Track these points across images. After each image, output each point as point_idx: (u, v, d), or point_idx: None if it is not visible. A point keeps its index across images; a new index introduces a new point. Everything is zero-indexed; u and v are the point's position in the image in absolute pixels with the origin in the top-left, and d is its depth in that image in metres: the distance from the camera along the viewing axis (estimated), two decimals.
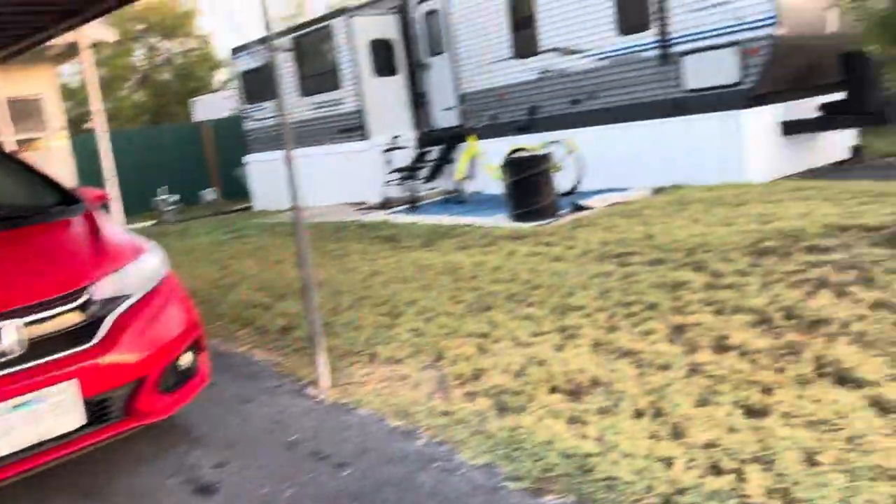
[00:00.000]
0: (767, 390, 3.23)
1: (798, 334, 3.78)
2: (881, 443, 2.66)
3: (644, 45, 9.46)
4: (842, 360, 3.36)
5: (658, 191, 8.97)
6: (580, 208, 8.57)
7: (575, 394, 3.57)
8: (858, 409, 2.93)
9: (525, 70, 11.07)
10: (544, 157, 8.54)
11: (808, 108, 9.22)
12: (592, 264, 5.87)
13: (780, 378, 3.33)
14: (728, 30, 8.57)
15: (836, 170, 9.14)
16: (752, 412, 3.07)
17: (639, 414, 3.23)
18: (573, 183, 9.93)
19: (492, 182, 10.42)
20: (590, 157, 9.96)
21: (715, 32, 8.70)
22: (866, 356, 3.39)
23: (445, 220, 9.38)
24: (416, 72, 12.98)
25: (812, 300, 4.19)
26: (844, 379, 3.22)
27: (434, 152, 12.50)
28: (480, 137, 11.50)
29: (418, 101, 13.08)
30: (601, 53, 9.98)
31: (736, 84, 8.64)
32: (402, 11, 12.88)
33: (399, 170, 11.96)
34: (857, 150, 9.93)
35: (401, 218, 10.26)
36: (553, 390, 3.63)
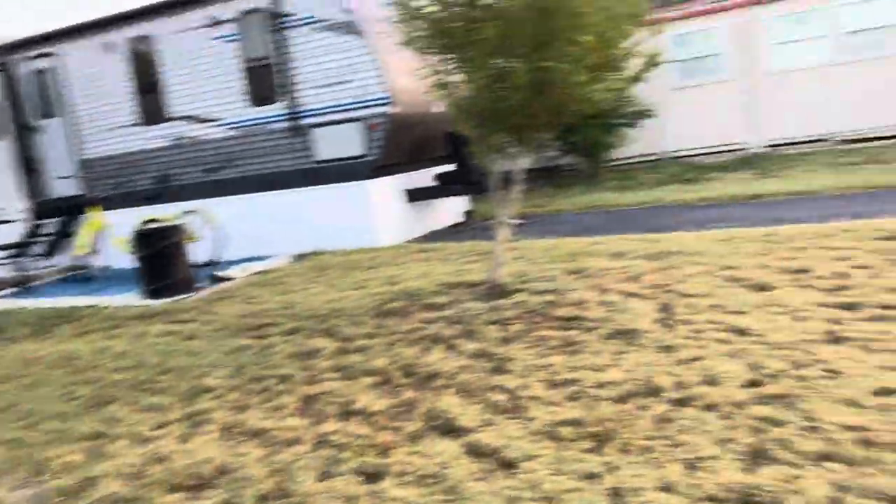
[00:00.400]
0: (384, 452, 3.40)
1: (413, 391, 4.09)
2: (475, 487, 2.95)
3: (274, 116, 9.69)
4: (447, 411, 3.70)
5: (299, 258, 9.15)
6: (220, 280, 8.32)
7: (197, 489, 3.33)
8: (457, 457, 3.23)
9: (155, 137, 10.50)
10: (177, 228, 8.14)
11: (426, 177, 10.32)
12: (229, 340, 5.69)
13: (396, 437, 3.53)
14: (351, 106, 9.24)
15: (452, 232, 10.34)
16: (370, 477, 3.19)
17: (263, 499, 3.13)
18: (212, 254, 9.62)
19: (123, 256, 9.56)
20: (230, 227, 9.78)
21: (340, 108, 9.30)
22: (467, 405, 3.79)
23: (65, 301, 8.32)
24: (25, 135, 11.45)
25: (426, 356, 4.58)
26: (449, 429, 3.54)
27: (51, 225, 11.08)
28: (108, 208, 10.55)
29: (30, 167, 11.52)
30: (234, 123, 9.95)
31: (362, 156, 9.31)
32: (5, 69, 11.32)
33: (5, 246, 10.31)
34: (468, 214, 11.40)
35: (6, 303, 8.82)
36: (173, 489, 3.35)
